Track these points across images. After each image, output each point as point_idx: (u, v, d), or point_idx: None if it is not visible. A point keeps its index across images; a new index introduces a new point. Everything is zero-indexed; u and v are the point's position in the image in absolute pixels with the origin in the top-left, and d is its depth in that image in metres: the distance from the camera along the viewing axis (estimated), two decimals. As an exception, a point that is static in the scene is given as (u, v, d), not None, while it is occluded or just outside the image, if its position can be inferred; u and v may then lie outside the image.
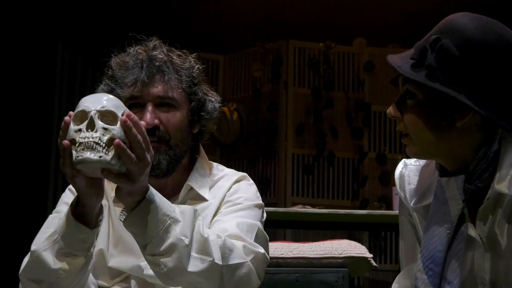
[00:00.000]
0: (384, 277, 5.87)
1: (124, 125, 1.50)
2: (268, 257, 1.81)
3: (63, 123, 1.52)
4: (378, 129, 6.22)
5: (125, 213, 1.58)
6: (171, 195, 1.87)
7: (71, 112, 1.53)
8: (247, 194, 1.91)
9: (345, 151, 6.19)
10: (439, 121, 1.59)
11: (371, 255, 3.05)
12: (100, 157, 1.47)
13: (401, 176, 1.77)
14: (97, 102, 1.52)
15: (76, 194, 1.60)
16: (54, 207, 1.92)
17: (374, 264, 3.07)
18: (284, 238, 5.54)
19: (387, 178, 5.90)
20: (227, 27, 6.09)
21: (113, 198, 1.87)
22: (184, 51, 1.94)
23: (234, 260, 1.67)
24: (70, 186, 1.89)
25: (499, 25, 1.59)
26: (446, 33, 1.57)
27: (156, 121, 1.84)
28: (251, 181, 1.98)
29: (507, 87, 1.57)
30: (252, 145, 6.19)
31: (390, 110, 1.66)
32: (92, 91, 1.88)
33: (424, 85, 1.57)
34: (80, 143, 1.48)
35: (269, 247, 1.90)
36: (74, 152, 1.49)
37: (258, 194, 1.96)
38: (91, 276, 1.78)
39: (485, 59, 1.55)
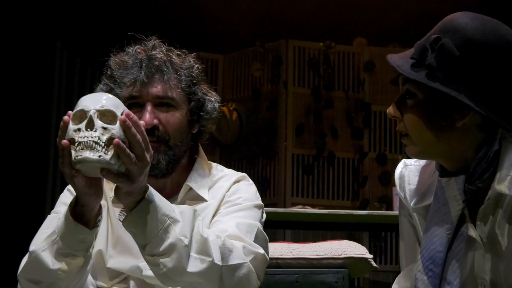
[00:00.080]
0: (384, 277, 5.87)
1: (123, 124, 1.49)
2: (268, 257, 1.81)
3: (62, 122, 1.51)
4: (378, 129, 6.22)
5: (124, 213, 1.58)
6: (170, 195, 1.87)
7: (70, 112, 1.52)
8: (247, 194, 1.91)
9: (345, 151, 6.18)
10: (439, 121, 1.59)
11: (371, 256, 3.05)
12: (99, 156, 1.47)
13: (401, 176, 1.77)
14: (96, 101, 1.52)
15: (75, 194, 1.60)
16: (52, 207, 1.92)
17: (374, 264, 3.07)
18: (284, 239, 5.54)
19: (387, 178, 5.89)
20: (226, 26, 6.09)
21: (112, 198, 1.86)
22: (184, 50, 1.94)
23: (233, 261, 1.67)
24: (69, 186, 1.89)
25: (499, 24, 1.59)
26: (447, 33, 1.57)
27: (155, 121, 1.83)
28: (251, 182, 1.98)
29: (507, 87, 1.57)
30: (252, 145, 6.19)
31: (390, 110, 1.65)
32: (91, 90, 1.88)
33: (424, 85, 1.57)
34: (79, 143, 1.48)
35: (269, 247, 1.90)
36: (73, 152, 1.48)
37: (258, 194, 1.95)
38: (90, 277, 1.77)
39: (485, 59, 1.55)
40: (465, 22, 1.57)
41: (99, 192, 1.58)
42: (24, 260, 1.70)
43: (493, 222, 1.58)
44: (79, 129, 1.49)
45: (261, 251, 1.76)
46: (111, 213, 1.88)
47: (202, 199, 1.90)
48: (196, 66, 1.92)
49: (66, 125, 1.50)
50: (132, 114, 1.52)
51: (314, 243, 3.12)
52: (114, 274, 1.83)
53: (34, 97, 5.24)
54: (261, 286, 1.77)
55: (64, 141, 1.49)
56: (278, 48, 6.19)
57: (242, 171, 2.03)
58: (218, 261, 1.63)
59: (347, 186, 6.17)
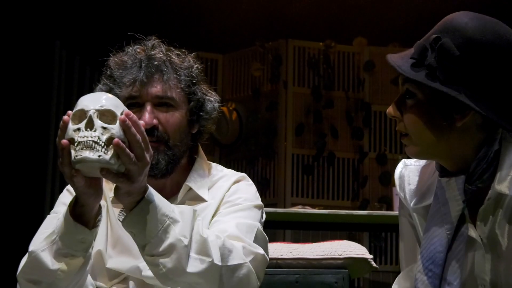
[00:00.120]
0: (384, 278, 5.86)
1: (123, 124, 1.49)
2: (268, 258, 1.81)
3: (61, 122, 1.51)
4: (379, 129, 6.21)
5: (123, 213, 1.58)
6: (170, 195, 1.87)
7: (69, 112, 1.52)
8: (247, 194, 1.91)
9: (345, 151, 6.18)
10: (439, 121, 1.59)
11: (371, 256, 3.05)
12: (99, 156, 1.46)
13: (401, 176, 1.77)
14: (96, 101, 1.52)
15: (74, 194, 1.60)
16: (51, 207, 1.92)
17: (374, 265, 3.07)
18: (283, 239, 5.53)
19: (388, 179, 5.89)
20: (226, 26, 6.08)
21: (111, 198, 1.86)
22: (183, 50, 1.94)
23: (233, 261, 1.67)
24: (68, 187, 1.88)
25: (499, 24, 1.59)
26: (446, 33, 1.57)
27: (155, 121, 1.83)
28: (251, 182, 1.98)
29: (507, 87, 1.56)
30: (252, 145, 6.18)
31: (390, 110, 1.65)
32: (90, 90, 1.87)
33: (424, 84, 1.56)
34: (79, 142, 1.48)
35: (269, 248, 1.90)
36: (73, 152, 1.48)
37: (258, 194, 1.95)
38: (89, 277, 1.77)
39: (485, 59, 1.54)
40: (465, 21, 1.57)
41: (98, 192, 1.58)
42: (24, 260, 1.70)
43: (493, 222, 1.58)
44: (78, 129, 1.49)
45: (261, 251, 1.76)
46: (110, 213, 1.88)
47: (201, 199, 1.89)
48: (196, 66, 1.92)
49: (66, 124, 1.50)
50: (132, 114, 1.52)
51: (314, 244, 3.11)
52: (114, 275, 1.83)
53: (33, 96, 5.24)
54: (261, 287, 1.76)
55: (64, 141, 1.49)
56: (278, 47, 6.19)
57: (241, 171, 2.02)
58: (217, 261, 1.63)
59: (347, 186, 6.16)
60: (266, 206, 2.03)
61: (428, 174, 1.73)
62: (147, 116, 1.82)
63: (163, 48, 1.89)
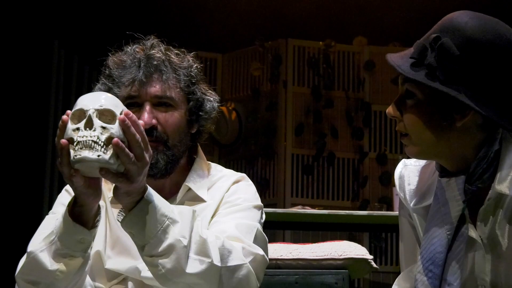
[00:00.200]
0: (384, 278, 5.86)
1: (122, 124, 1.49)
2: (267, 258, 1.81)
3: (60, 122, 1.51)
4: (379, 129, 6.21)
5: (123, 213, 1.58)
6: (169, 196, 1.86)
7: (69, 111, 1.52)
8: (246, 195, 1.90)
9: (345, 151, 6.17)
10: (439, 121, 1.59)
11: (371, 257, 3.05)
12: (98, 156, 1.46)
13: (401, 176, 1.77)
14: (95, 100, 1.51)
15: (73, 194, 1.60)
16: (50, 207, 1.91)
17: (375, 265, 3.07)
18: (283, 240, 5.54)
19: (388, 179, 5.88)
20: (225, 25, 6.08)
21: (110, 198, 1.86)
22: (182, 50, 1.93)
23: (233, 262, 1.66)
24: (67, 187, 1.88)
25: (499, 23, 1.59)
26: (446, 32, 1.57)
27: (154, 121, 1.82)
28: (250, 182, 1.97)
29: (507, 87, 1.56)
30: (251, 145, 6.18)
31: (390, 110, 1.65)
32: (89, 90, 1.87)
33: (424, 84, 1.56)
34: (78, 142, 1.47)
35: (268, 248, 1.90)
36: (72, 151, 1.48)
37: (257, 195, 1.95)
38: (88, 278, 1.77)
39: (485, 58, 1.54)
40: (464, 21, 1.56)
41: (97, 192, 1.57)
42: (22, 261, 1.70)
43: (493, 222, 1.58)
44: (78, 129, 1.49)
45: (261, 252, 1.75)
46: (109, 213, 1.87)
47: (201, 200, 1.89)
48: (195, 65, 1.92)
49: (65, 124, 1.50)
50: (131, 114, 1.52)
51: (313, 244, 3.12)
52: (112, 275, 1.83)
53: (31, 96, 5.24)
54: (260, 287, 1.76)
55: (63, 141, 1.48)
56: (278, 47, 6.18)
57: (241, 171, 2.02)
58: (217, 262, 1.62)
59: (347, 187, 6.16)
60: (265, 206, 2.03)
61: (428, 174, 1.73)
62: (146, 116, 1.81)
63: (162, 47, 1.88)
